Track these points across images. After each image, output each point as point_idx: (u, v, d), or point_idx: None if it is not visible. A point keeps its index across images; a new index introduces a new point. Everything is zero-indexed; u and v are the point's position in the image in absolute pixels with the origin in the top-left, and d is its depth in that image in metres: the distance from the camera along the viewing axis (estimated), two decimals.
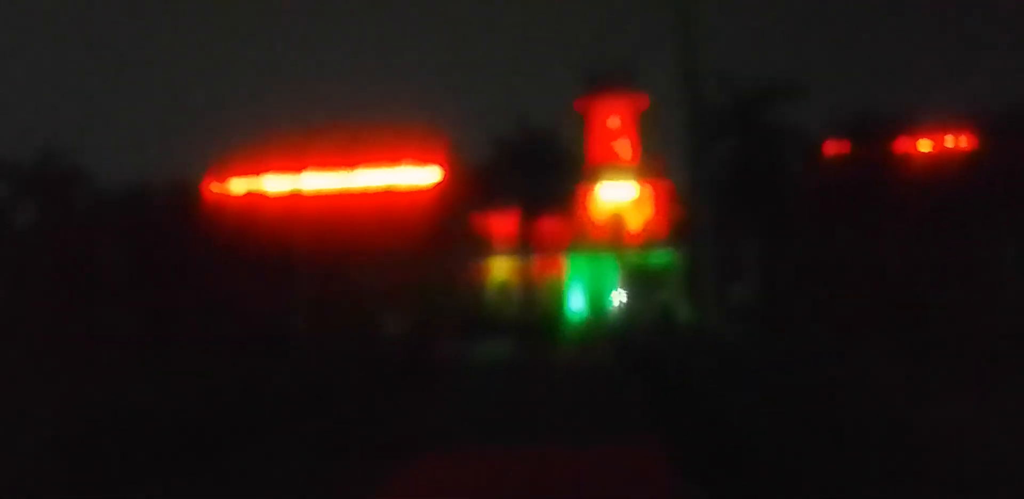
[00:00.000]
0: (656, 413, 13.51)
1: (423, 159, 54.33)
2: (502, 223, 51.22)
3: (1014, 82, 38.10)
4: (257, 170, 55.11)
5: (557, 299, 50.05)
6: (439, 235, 47.55)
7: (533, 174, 49.31)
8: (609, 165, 54.82)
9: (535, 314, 44.16)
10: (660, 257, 48.60)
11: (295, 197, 52.93)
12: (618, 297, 48.13)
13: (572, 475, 9.80)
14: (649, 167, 53.78)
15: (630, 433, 12.52)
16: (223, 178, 54.57)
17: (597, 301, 50.06)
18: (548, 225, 50.89)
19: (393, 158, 55.09)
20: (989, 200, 35.93)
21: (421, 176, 54.20)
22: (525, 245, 50.59)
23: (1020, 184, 35.25)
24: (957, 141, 41.74)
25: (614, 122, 56.21)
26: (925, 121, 40.94)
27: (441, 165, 53.27)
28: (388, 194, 52.33)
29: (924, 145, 42.36)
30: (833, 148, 42.72)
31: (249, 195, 53.43)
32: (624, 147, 56.03)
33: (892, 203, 38.69)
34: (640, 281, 46.28)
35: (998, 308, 30.93)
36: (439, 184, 51.65)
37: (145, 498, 9.16)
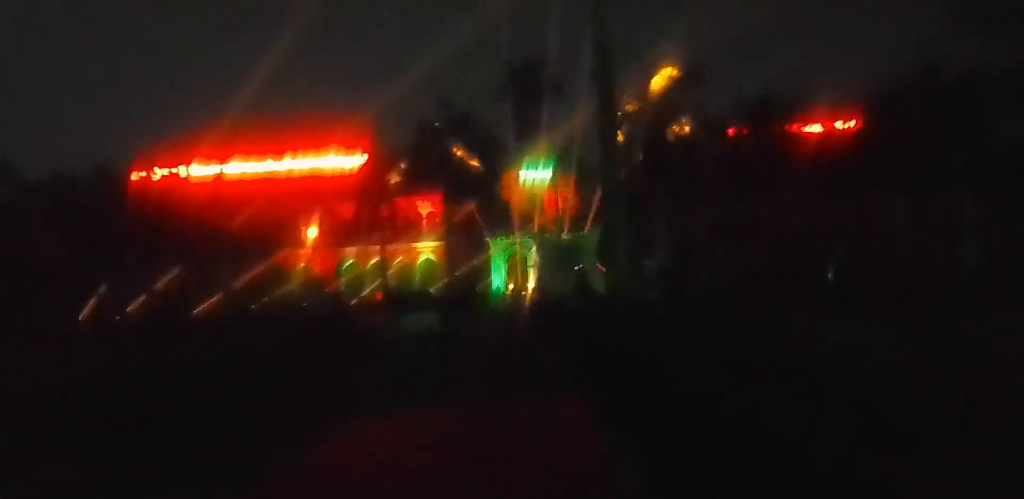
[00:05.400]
0: (574, 369, 13.20)
1: (349, 145, 53.15)
2: (427, 205, 50.57)
3: (895, 63, 39.16)
4: (184, 156, 53.16)
5: (480, 277, 49.67)
6: (364, 218, 46.68)
7: (456, 157, 48.69)
8: (527, 149, 54.49)
9: (458, 291, 43.70)
10: (577, 235, 48.63)
11: (221, 183, 51.23)
12: (537, 272, 48.04)
13: (491, 431, 9.45)
14: (565, 150, 53.66)
15: (550, 390, 12.20)
16: (150, 166, 52.47)
17: (518, 277, 49.86)
18: (471, 207, 50.43)
19: (319, 144, 53.79)
20: (873, 168, 37.04)
21: (347, 161, 53.05)
22: (449, 226, 50.03)
23: (900, 156, 36.31)
24: (845, 121, 42.83)
25: (532, 105, 55.78)
26: (816, 103, 41.85)
27: (366, 150, 52.20)
28: (314, 178, 51.10)
29: (814, 125, 43.38)
30: (734, 128, 43.41)
31: (176, 182, 51.49)
32: (541, 130, 55.77)
33: (787, 175, 39.54)
34: (558, 257, 46.22)
35: (885, 257, 32.09)
36: (364, 168, 50.64)
37: (78, 468, 8.80)
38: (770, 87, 42.47)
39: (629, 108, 44.09)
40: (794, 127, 43.45)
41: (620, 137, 37.09)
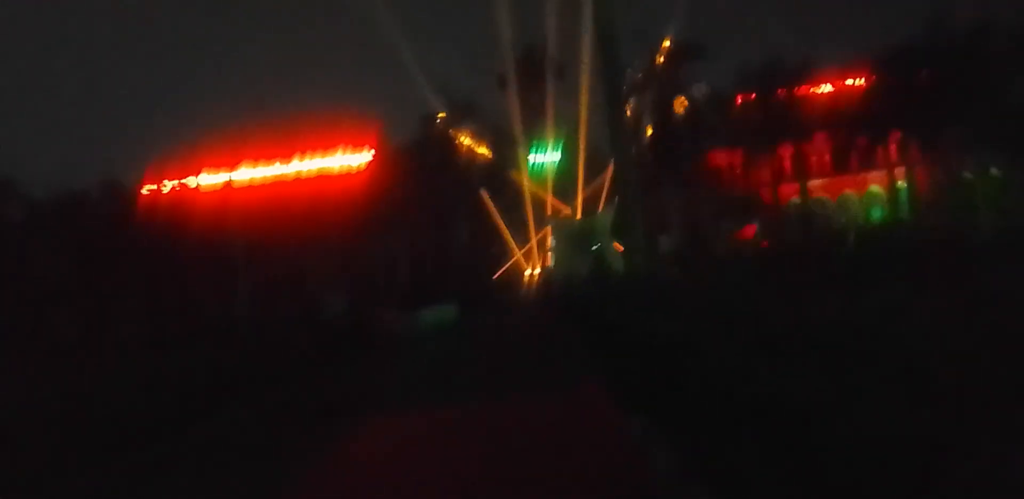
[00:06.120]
0: (596, 355, 12.99)
1: (355, 142, 53.07)
2: (440, 196, 50.24)
3: (901, 20, 38.35)
4: (193, 167, 53.33)
5: (497, 265, 49.50)
6: (375, 214, 46.54)
7: (463, 146, 48.41)
8: (534, 134, 54.10)
9: (476, 281, 43.58)
10: (592, 215, 48.35)
11: (232, 190, 51.33)
12: (555, 257, 47.81)
13: (515, 424, 9.27)
14: (573, 131, 53.25)
15: (573, 379, 12.01)
16: (159, 178, 52.65)
17: (536, 262, 49.69)
18: (483, 195, 50.20)
19: (326, 144, 53.75)
20: (883, 132, 36.37)
21: (354, 159, 52.96)
22: (463, 216, 49.78)
23: (910, 112, 35.59)
24: (854, 79, 42.00)
25: (535, 92, 55.31)
26: (824, 64, 41.08)
27: (373, 146, 52.05)
28: (322, 178, 51.06)
29: (824, 85, 42.59)
30: (742, 98, 42.74)
31: (186, 192, 51.65)
32: (547, 115, 55.31)
33: (799, 143, 38.98)
34: (574, 238, 45.98)
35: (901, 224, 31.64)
36: (371, 164, 50.47)
37: (110, 470, 8.85)
38: (776, 51, 41.72)
39: (635, 84, 43.63)
40: (803, 90, 42.74)
41: (628, 113, 36.73)
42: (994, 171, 40.37)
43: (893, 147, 40.77)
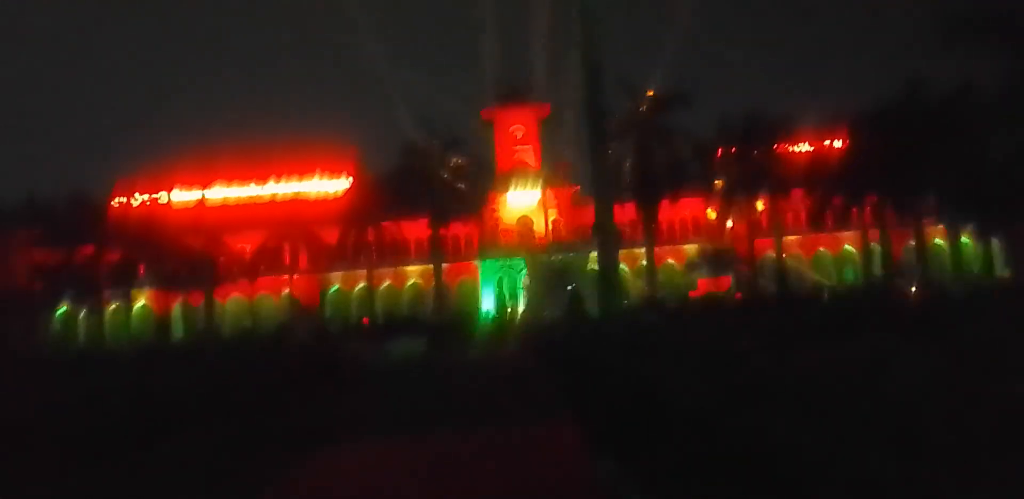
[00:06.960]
0: (567, 394, 13.01)
1: (333, 169, 53.23)
2: (414, 229, 50.30)
3: (881, 83, 39.64)
4: (165, 183, 53.12)
5: (469, 301, 49.41)
6: (349, 242, 46.44)
7: (443, 180, 48.63)
8: (515, 171, 54.62)
9: (447, 316, 43.43)
10: (567, 257, 48.58)
11: (203, 209, 51.12)
12: (528, 296, 47.83)
13: (479, 457, 9.24)
14: (553, 172, 53.88)
15: (541, 415, 12.00)
16: (130, 191, 52.37)
17: (509, 301, 49.64)
18: (459, 230, 50.31)
19: (303, 169, 53.85)
20: (861, 192, 37.25)
21: (331, 185, 53.07)
22: (437, 250, 49.81)
23: (886, 176, 36.55)
24: (832, 140, 43.18)
25: (518, 130, 56.11)
26: (804, 123, 42.22)
27: (351, 174, 52.24)
28: (298, 203, 51.09)
29: (803, 145, 43.75)
30: (721, 149, 43.64)
31: (157, 207, 51.35)
32: (528, 154, 55.96)
33: (774, 197, 39.72)
34: (550, 278, 46.10)
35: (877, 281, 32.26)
36: (348, 192, 50.61)
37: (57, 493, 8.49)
38: (757, 108, 42.80)
39: (618, 130, 44.32)
40: (782, 147, 43.78)
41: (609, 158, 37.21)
42: (965, 239, 41.45)
43: (868, 209, 41.74)
